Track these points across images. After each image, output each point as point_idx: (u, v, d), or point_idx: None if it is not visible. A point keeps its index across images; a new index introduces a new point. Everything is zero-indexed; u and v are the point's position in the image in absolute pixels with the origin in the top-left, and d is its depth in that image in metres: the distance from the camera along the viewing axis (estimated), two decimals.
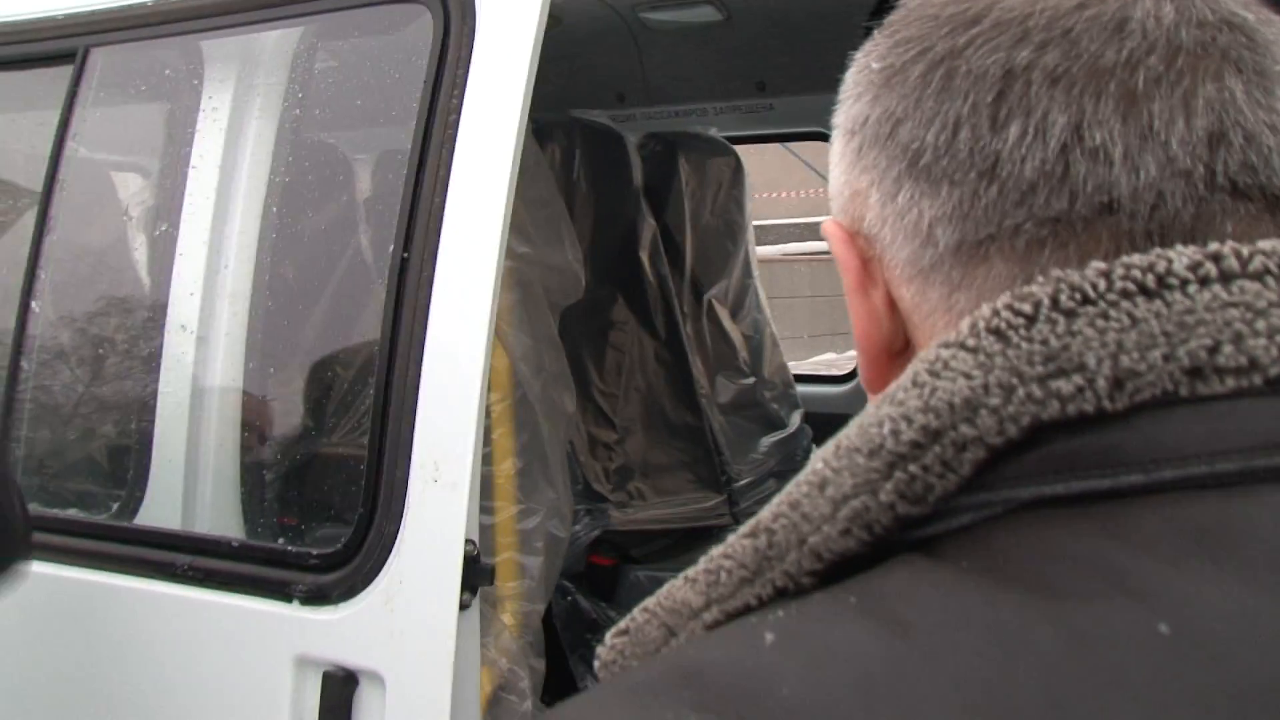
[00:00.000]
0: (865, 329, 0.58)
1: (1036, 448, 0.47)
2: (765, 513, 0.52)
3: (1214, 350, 0.47)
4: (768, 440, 2.83)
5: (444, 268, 1.57)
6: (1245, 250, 0.48)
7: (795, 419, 2.95)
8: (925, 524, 0.49)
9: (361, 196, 1.85)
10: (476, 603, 1.54)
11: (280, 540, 1.71)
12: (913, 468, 0.48)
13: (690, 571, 0.55)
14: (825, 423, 3.00)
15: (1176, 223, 0.50)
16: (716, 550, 0.54)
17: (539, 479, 1.93)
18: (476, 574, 1.52)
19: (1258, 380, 0.46)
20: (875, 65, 0.57)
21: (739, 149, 2.92)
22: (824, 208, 0.61)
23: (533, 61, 1.49)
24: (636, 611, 0.57)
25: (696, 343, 2.70)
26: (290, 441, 1.86)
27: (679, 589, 0.55)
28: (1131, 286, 0.48)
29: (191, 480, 1.73)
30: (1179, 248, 0.48)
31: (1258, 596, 0.43)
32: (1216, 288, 0.47)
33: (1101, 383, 0.47)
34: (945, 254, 0.53)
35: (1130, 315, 0.47)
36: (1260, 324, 0.47)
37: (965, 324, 0.50)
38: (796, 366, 3.19)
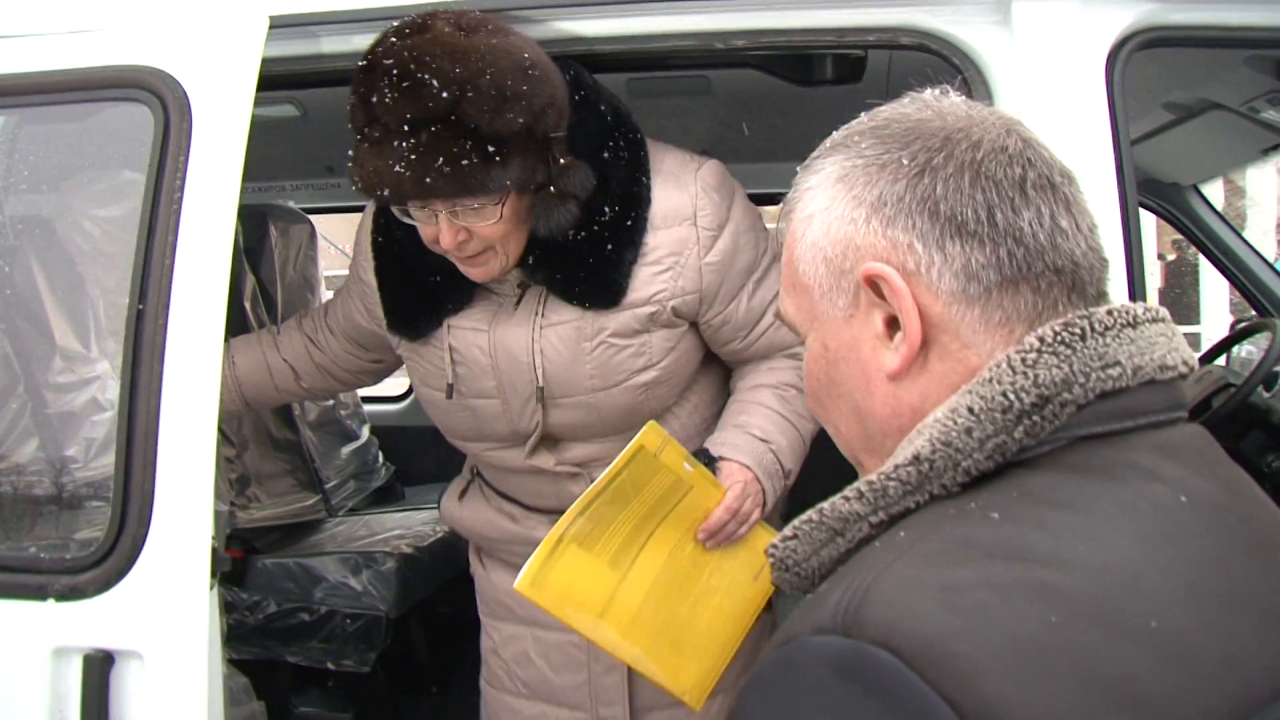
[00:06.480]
0: (910, 329, 0.67)
1: (1088, 406, 0.63)
2: (923, 449, 0.64)
3: (1165, 355, 0.67)
4: (346, 449, 3.01)
5: (176, 316, 1.60)
6: (1145, 305, 0.69)
7: (364, 431, 3.14)
8: (1021, 451, 0.63)
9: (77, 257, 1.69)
10: (217, 586, 1.60)
11: (31, 549, 1.58)
12: (1036, 418, 0.62)
13: (848, 492, 0.66)
14: (386, 433, 3.21)
15: (1093, 276, 0.70)
16: (875, 476, 0.66)
17: None
18: (218, 564, 1.60)
19: (1184, 371, 0.68)
20: (906, 161, 0.68)
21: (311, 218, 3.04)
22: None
23: (243, 149, 1.57)
24: (799, 522, 0.69)
25: None
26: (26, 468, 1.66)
27: (841, 504, 0.67)
28: (1122, 321, 0.66)
29: None
30: (1135, 302, 0.68)
31: (1204, 479, 0.63)
32: (1155, 325, 0.68)
33: (1130, 371, 0.64)
34: (990, 287, 0.66)
35: (1130, 337, 0.65)
36: (1175, 344, 0.68)
37: (1033, 338, 0.64)
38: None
